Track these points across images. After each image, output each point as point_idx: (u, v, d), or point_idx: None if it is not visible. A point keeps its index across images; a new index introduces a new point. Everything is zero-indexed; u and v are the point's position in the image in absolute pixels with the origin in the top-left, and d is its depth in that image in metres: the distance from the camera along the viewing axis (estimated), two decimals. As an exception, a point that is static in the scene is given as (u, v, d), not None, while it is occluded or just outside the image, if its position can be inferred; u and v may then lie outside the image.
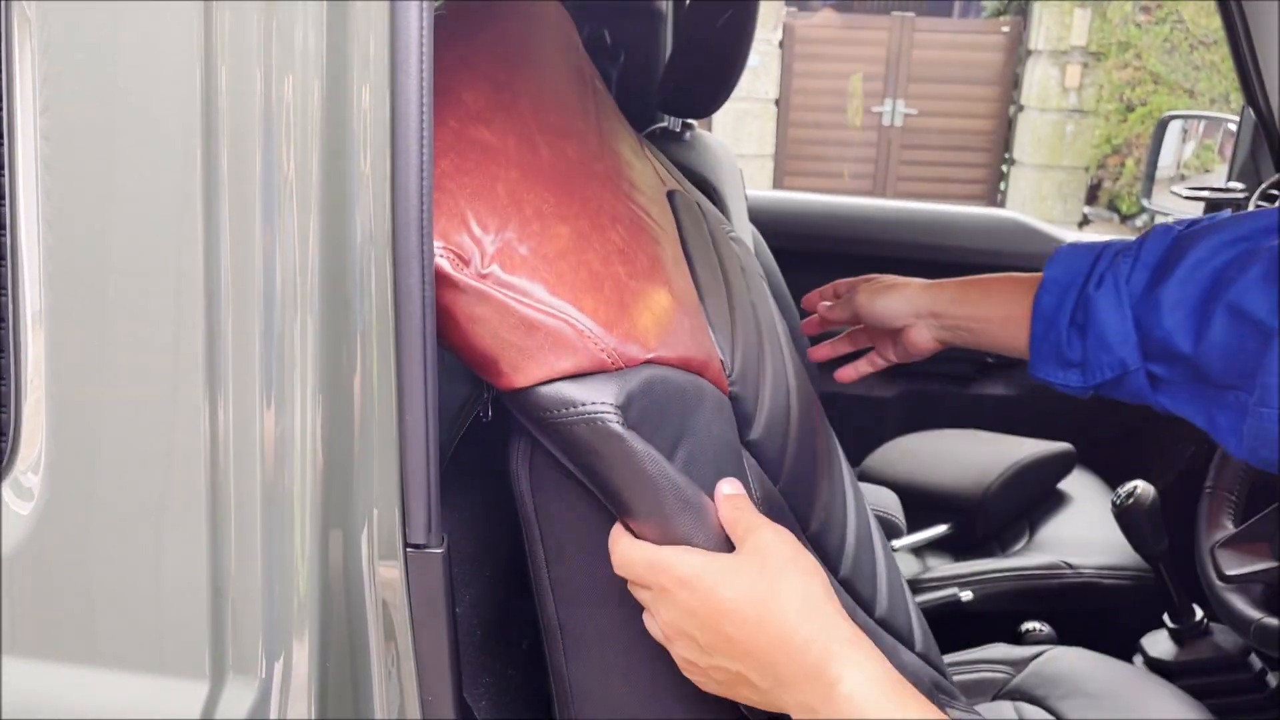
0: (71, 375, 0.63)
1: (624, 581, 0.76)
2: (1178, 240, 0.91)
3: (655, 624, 0.74)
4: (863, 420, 2.39)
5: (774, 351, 1.03)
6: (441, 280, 0.69)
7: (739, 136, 7.91)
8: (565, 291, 0.73)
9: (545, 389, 0.73)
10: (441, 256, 0.69)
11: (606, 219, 0.82)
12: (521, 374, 0.72)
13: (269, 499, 0.62)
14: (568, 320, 0.72)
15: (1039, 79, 7.88)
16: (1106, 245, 0.96)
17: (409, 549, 0.70)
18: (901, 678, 0.67)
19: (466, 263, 0.70)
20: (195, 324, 0.60)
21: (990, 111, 8.17)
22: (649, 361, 0.76)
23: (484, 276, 0.70)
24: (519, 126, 0.80)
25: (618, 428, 0.73)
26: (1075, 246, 0.99)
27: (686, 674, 0.75)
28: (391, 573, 0.70)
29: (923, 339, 1.11)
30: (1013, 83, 8.08)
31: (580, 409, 0.72)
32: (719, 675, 0.72)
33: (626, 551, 0.74)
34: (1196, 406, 0.90)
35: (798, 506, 0.95)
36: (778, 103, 8.13)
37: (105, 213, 0.61)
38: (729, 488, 0.76)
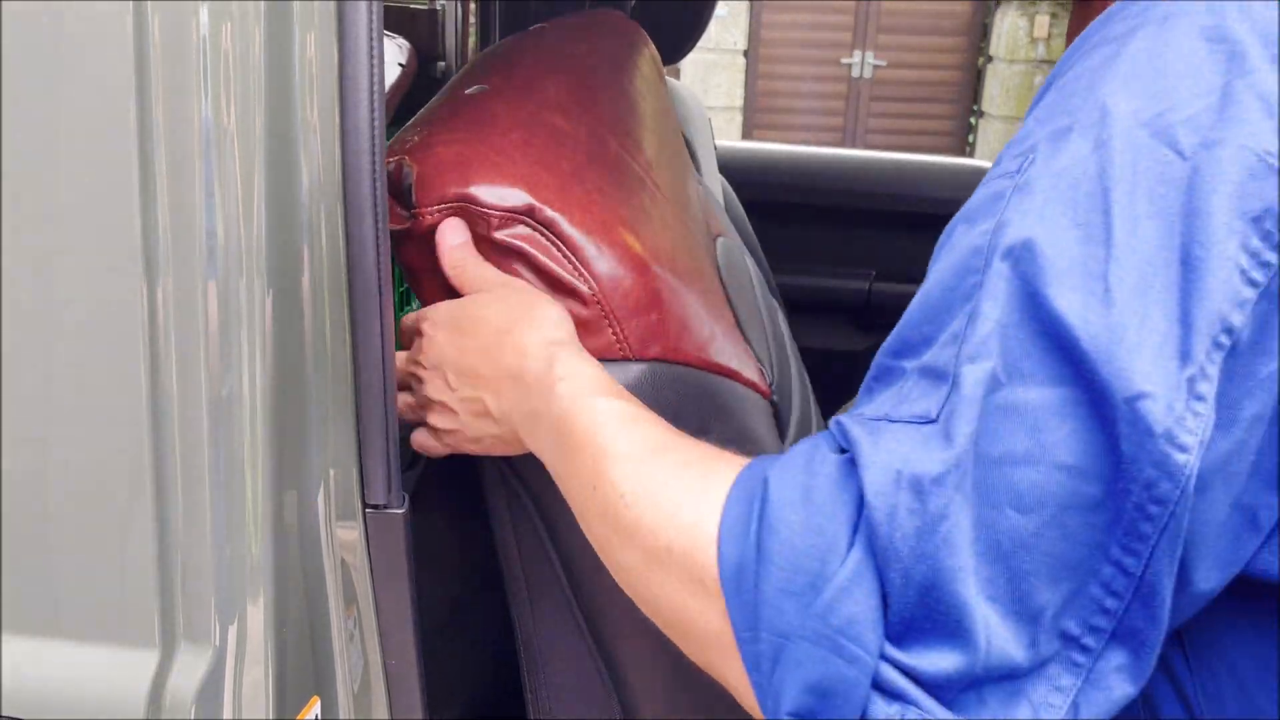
0: (9, 341, 0.60)
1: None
2: None
3: (422, 388, 0.77)
4: (835, 373, 2.39)
5: (799, 369, 1.09)
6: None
7: (706, 88, 7.85)
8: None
9: None
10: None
11: (657, 217, 0.84)
12: None
13: (217, 461, 0.60)
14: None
15: (1008, 29, 7.85)
16: None
17: (368, 510, 0.69)
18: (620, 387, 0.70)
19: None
20: (134, 283, 0.58)
21: (959, 63, 8.14)
22: (659, 359, 0.75)
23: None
24: (591, 122, 0.84)
25: None
26: None
27: (443, 426, 0.77)
28: (350, 534, 0.68)
29: None
30: (981, 33, 8.05)
31: None
32: (467, 412, 0.75)
33: (408, 318, 0.78)
34: None
35: None
36: (746, 54, 8.07)
37: (31, 172, 0.58)
38: (455, 237, 0.76)
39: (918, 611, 0.51)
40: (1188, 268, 0.49)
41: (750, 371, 0.84)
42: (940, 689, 0.50)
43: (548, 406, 0.69)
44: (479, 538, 0.86)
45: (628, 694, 0.82)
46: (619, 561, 0.63)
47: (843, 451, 0.55)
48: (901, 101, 8.21)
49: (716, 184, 2.01)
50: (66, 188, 0.58)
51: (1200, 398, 0.49)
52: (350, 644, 0.68)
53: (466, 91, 0.83)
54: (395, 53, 1.90)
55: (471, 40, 1.96)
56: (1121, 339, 0.49)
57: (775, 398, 0.89)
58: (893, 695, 0.50)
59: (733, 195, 2.11)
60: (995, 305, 0.52)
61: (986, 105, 8.14)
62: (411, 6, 1.96)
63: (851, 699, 0.51)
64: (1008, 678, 0.51)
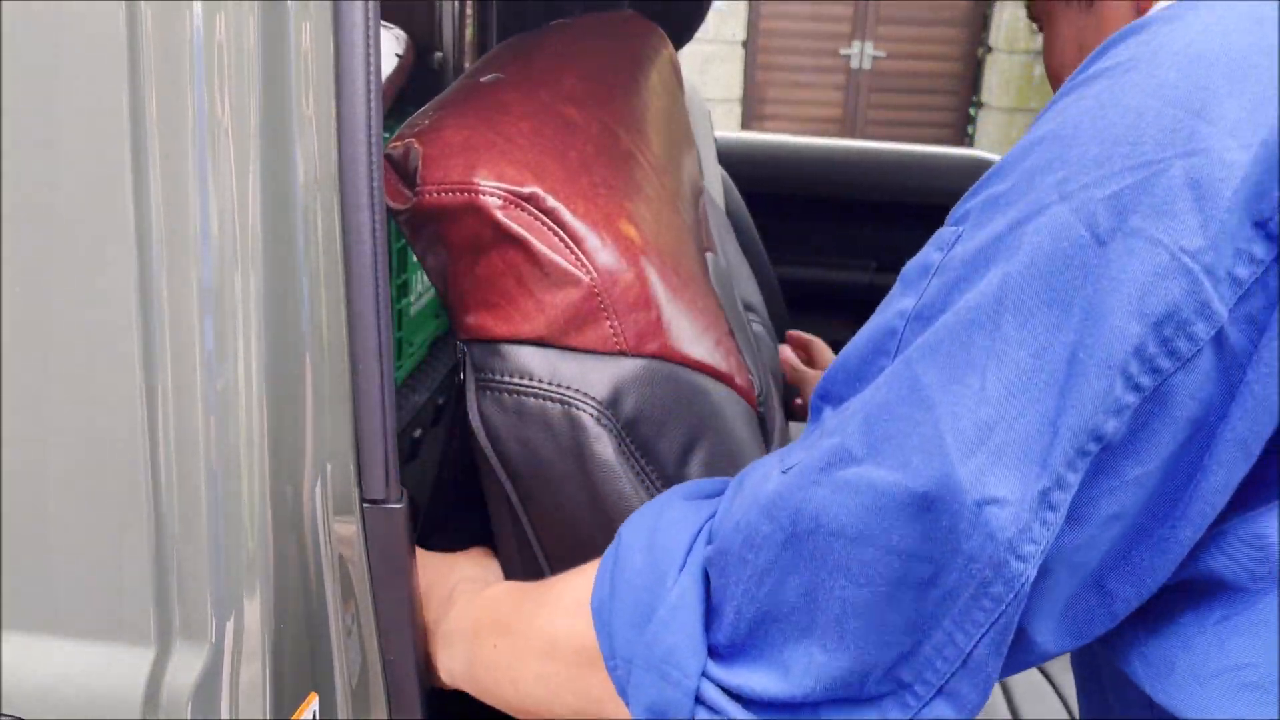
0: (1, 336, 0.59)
1: (589, 518, 0.75)
2: None
3: None
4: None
5: (779, 390, 1.13)
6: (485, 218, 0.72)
7: (705, 80, 7.83)
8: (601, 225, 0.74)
9: (533, 353, 0.72)
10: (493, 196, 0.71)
11: (662, 217, 0.84)
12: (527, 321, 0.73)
13: (212, 455, 0.59)
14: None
15: (1007, 20, 7.84)
16: None
17: (366, 504, 0.68)
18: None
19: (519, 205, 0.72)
20: (127, 277, 0.57)
21: (958, 54, 8.12)
22: (656, 356, 0.75)
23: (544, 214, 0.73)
24: (604, 116, 0.84)
25: (590, 424, 0.72)
26: None
27: None
28: (348, 529, 0.67)
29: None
30: (981, 24, 8.03)
31: (561, 390, 0.72)
32: None
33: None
34: None
35: None
36: (745, 45, 8.06)
37: (23, 166, 0.57)
38: None
39: (747, 641, 0.56)
40: (1072, 370, 0.47)
41: (741, 379, 0.84)
42: (765, 707, 0.56)
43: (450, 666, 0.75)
44: (487, 543, 0.86)
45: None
46: (516, 680, 0.69)
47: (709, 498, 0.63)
48: (901, 93, 8.19)
49: (716, 177, 2.00)
50: (59, 182, 0.57)
51: (1052, 508, 0.48)
52: (348, 640, 0.68)
53: (482, 79, 0.83)
54: (392, 44, 1.89)
55: (469, 32, 1.95)
56: (986, 440, 0.48)
57: (762, 409, 0.89)
58: (713, 710, 0.57)
59: (732, 187, 2.11)
60: (878, 390, 0.53)
61: (986, 96, 8.12)
62: (409, -3, 1.95)
63: (680, 716, 0.57)
64: (843, 702, 0.55)
